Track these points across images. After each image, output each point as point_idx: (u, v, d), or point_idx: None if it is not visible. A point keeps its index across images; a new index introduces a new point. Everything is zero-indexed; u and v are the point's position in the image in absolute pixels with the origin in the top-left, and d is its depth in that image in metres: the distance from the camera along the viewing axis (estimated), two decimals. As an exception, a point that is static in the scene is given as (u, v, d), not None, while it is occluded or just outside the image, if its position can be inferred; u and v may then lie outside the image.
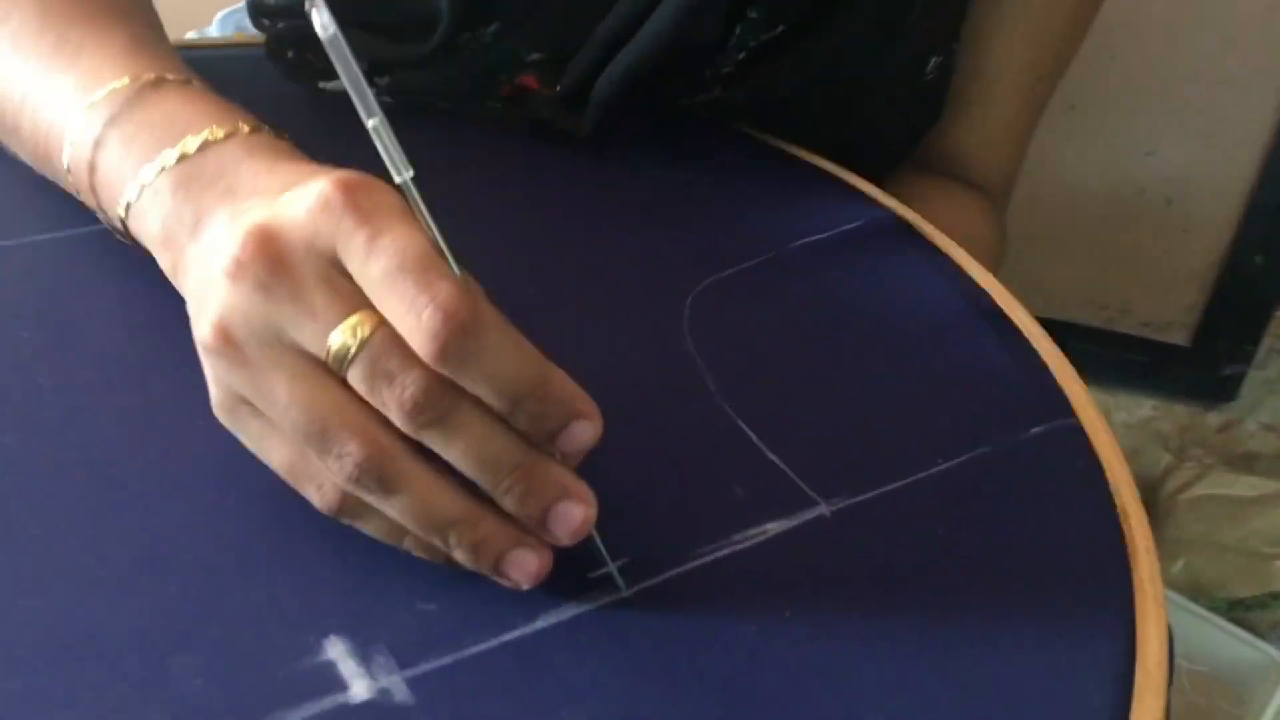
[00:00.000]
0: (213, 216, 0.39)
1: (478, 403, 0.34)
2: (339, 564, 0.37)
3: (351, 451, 0.33)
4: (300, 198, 0.34)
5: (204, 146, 0.41)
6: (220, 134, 0.42)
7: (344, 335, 0.33)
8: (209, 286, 0.35)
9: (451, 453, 0.34)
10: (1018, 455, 0.44)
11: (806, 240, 0.54)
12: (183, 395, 0.40)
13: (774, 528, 0.40)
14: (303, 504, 0.36)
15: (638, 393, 0.45)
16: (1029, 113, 0.68)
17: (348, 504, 0.35)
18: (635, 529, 0.40)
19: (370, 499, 0.35)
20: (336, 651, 0.35)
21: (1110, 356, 1.41)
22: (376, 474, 0.33)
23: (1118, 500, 0.43)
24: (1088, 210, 1.29)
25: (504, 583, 0.36)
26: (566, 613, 0.37)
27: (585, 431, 0.35)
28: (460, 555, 0.35)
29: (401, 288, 0.33)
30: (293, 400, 0.34)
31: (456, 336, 0.32)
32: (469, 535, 0.35)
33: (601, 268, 0.52)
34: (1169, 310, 1.39)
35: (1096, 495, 0.43)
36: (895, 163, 0.68)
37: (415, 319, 0.32)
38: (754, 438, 0.44)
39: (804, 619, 0.37)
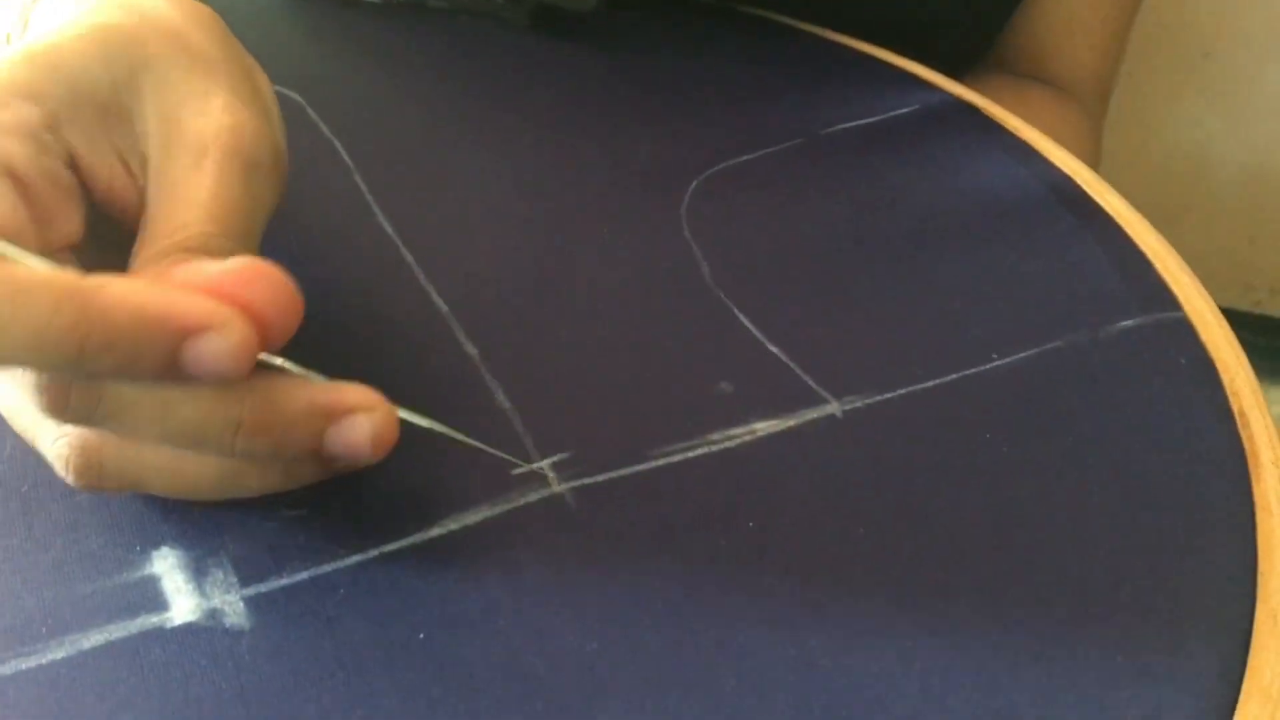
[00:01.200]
0: None
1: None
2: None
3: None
4: None
5: None
6: None
7: None
8: None
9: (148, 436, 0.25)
10: (1101, 350, 0.34)
11: (845, 125, 0.45)
12: None
13: (764, 427, 0.31)
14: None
15: (613, 280, 0.36)
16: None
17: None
18: (585, 422, 0.31)
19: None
20: (165, 564, 0.27)
21: (1260, 345, 1.26)
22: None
23: (1234, 403, 0.33)
24: (1227, 175, 1.15)
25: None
26: (474, 515, 0.28)
27: (213, 344, 0.23)
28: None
29: None
30: None
31: None
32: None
33: (597, 159, 0.43)
34: (1328, 293, 1.24)
35: (1205, 396, 0.33)
36: (966, 62, 0.58)
37: None
38: (752, 328, 0.35)
39: (786, 536, 0.28)
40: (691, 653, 0.25)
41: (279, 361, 0.25)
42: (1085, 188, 0.42)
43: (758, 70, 0.49)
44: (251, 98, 0.29)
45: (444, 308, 0.35)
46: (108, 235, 0.27)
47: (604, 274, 0.36)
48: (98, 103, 0.27)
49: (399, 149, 0.42)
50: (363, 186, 0.40)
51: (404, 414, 0.26)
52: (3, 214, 0.24)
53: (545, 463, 0.30)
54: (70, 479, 0.26)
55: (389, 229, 0.38)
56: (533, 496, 0.29)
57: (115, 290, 0.22)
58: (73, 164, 0.27)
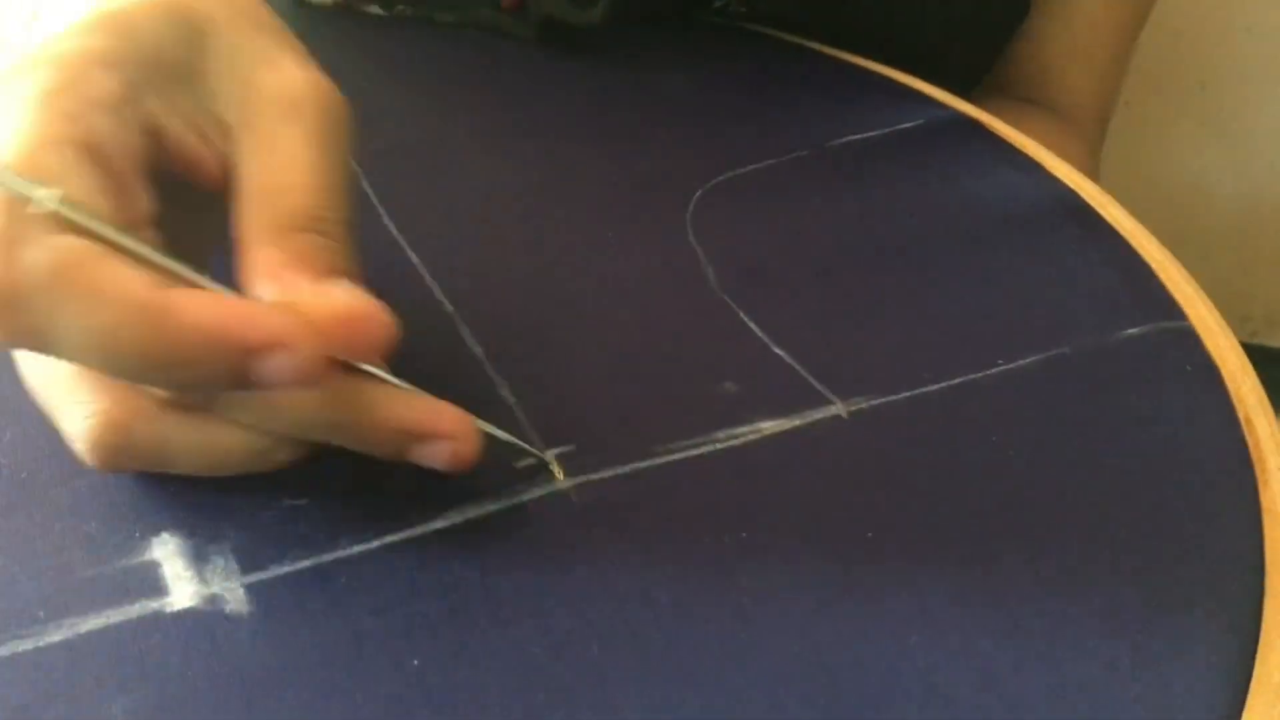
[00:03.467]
0: None
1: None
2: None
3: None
4: None
5: None
6: None
7: None
8: None
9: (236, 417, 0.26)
10: (1106, 357, 0.34)
11: (851, 138, 0.45)
12: None
13: (769, 426, 0.31)
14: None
15: (618, 283, 0.36)
16: (1123, 13, 0.57)
17: None
18: (591, 419, 0.31)
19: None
20: (164, 551, 0.27)
21: (1257, 376, 1.25)
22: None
23: (1240, 409, 0.33)
24: (1223, 206, 1.15)
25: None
26: (480, 509, 0.28)
27: (280, 361, 0.23)
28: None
29: None
30: None
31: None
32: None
33: (602, 166, 0.43)
34: (1324, 325, 1.24)
35: (1210, 402, 0.33)
36: (971, 81, 0.58)
37: None
38: (757, 330, 0.34)
39: (791, 533, 0.28)
40: (695, 646, 0.25)
41: (371, 369, 0.26)
42: (1089, 200, 0.42)
43: (763, 84, 0.50)
44: (309, 58, 0.29)
45: (449, 308, 0.35)
46: (185, 199, 0.27)
47: (609, 277, 0.36)
48: (171, 67, 0.26)
49: (405, 157, 0.43)
50: (369, 192, 0.40)
51: (483, 426, 0.27)
52: (90, 196, 0.24)
53: (551, 453, 0.29)
54: (94, 456, 0.25)
55: (395, 232, 0.38)
56: (538, 492, 0.29)
57: (187, 309, 0.22)
58: (152, 132, 0.26)
